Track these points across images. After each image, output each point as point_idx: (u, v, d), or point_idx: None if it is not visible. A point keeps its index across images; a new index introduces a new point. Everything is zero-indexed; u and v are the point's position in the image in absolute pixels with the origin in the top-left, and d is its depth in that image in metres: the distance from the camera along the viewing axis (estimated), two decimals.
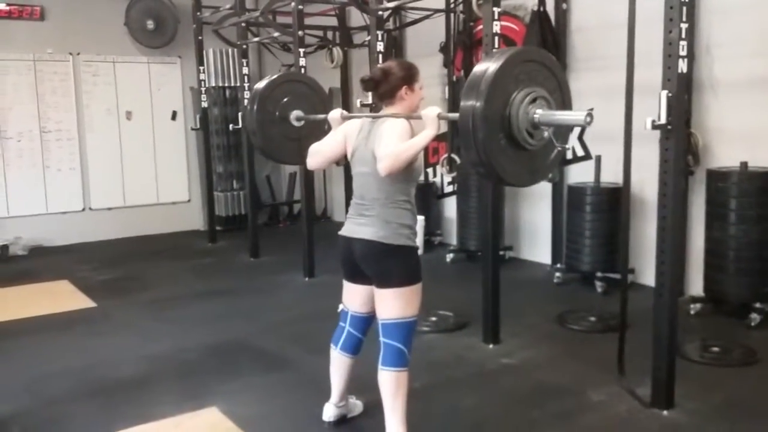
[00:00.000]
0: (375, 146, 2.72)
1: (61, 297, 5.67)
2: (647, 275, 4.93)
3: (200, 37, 7.49)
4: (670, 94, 2.94)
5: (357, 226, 2.81)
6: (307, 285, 5.89)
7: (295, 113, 4.07)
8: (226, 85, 8.55)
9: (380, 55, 4.97)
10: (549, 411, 3.27)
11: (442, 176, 7.20)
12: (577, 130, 5.38)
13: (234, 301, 5.44)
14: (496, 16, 3.86)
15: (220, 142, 8.58)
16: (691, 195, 4.91)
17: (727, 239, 4.39)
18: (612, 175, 5.27)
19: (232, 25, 6.96)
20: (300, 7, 5.66)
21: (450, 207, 7.09)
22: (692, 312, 4.59)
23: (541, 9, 5.62)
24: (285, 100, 4.10)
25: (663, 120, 2.95)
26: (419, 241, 3.41)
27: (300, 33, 5.67)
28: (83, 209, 8.05)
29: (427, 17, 6.60)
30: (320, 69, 7.45)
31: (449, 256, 6.45)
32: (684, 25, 2.92)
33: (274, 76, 4.30)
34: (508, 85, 2.49)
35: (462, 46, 6.63)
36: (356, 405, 3.22)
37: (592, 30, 5.58)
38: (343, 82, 8.37)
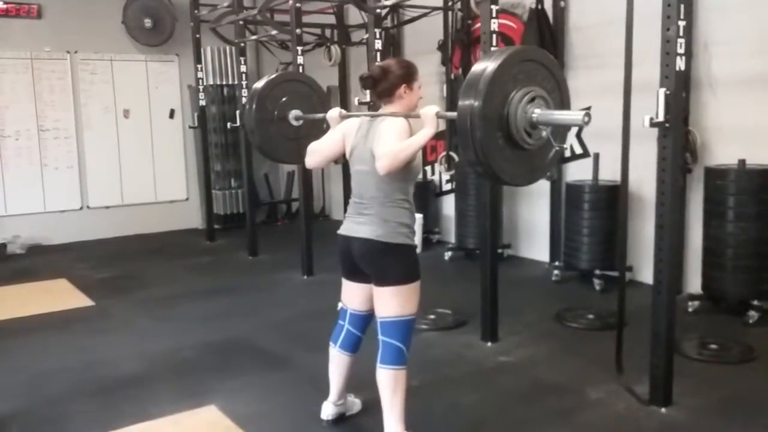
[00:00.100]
0: (373, 145, 2.72)
1: (59, 295, 5.67)
2: (645, 273, 4.95)
3: (198, 35, 7.48)
4: (668, 92, 2.94)
5: (355, 225, 2.82)
6: (306, 283, 5.89)
7: (294, 112, 4.06)
8: (224, 83, 8.54)
9: (378, 53, 4.98)
10: (547, 409, 3.28)
11: (441, 174, 7.20)
12: (575, 129, 5.39)
13: (232, 299, 5.43)
14: (494, 14, 3.86)
15: (218, 140, 8.57)
16: (689, 193, 4.91)
17: (726, 237, 4.40)
18: (610, 173, 5.27)
19: (230, 23, 6.95)
20: (298, 4, 5.65)
21: (448, 205, 7.09)
22: (690, 309, 4.59)
23: (539, 7, 5.63)
24: (284, 99, 4.09)
25: (661, 118, 2.95)
26: (418, 239, 3.41)
27: (298, 31, 5.66)
28: (81, 208, 8.04)
29: (425, 15, 6.60)
30: (318, 67, 7.44)
31: (448, 254, 6.46)
32: (682, 23, 2.92)
33: (273, 76, 4.30)
34: (507, 84, 2.49)
35: (460, 44, 6.62)
36: (355, 403, 3.22)
37: (590, 28, 5.58)
38: (341, 81, 8.36)
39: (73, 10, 7.71)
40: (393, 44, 7.35)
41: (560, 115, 2.58)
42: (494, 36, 3.86)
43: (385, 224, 2.74)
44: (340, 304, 3.07)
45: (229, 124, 7.61)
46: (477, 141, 2.45)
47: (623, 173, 3.38)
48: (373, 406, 3.02)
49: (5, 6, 7.34)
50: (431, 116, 2.65)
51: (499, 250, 5.35)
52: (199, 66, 7.55)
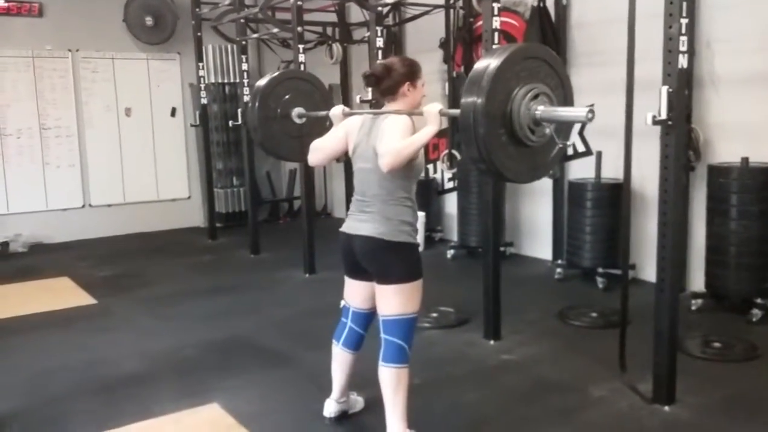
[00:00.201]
0: (376, 142, 2.71)
1: (61, 294, 5.67)
2: (648, 271, 4.94)
3: (199, 34, 7.47)
4: (670, 90, 2.93)
5: (358, 223, 2.81)
6: (308, 281, 5.88)
7: (297, 110, 4.06)
8: (226, 81, 8.54)
9: (380, 51, 4.97)
10: (550, 407, 3.27)
11: (443, 172, 7.19)
12: (577, 126, 5.37)
13: (234, 297, 5.43)
14: (495, 12, 3.85)
15: (219, 138, 8.58)
16: (692, 191, 4.90)
17: (729, 235, 4.39)
18: (613, 171, 5.26)
19: (231, 21, 6.94)
20: (299, 2, 5.65)
21: (451, 203, 7.08)
22: (693, 308, 4.58)
23: (541, 5, 5.61)
24: (287, 97, 4.09)
25: (663, 115, 2.94)
26: (420, 237, 3.41)
27: (299, 29, 5.66)
28: (83, 206, 8.04)
29: (426, 13, 6.59)
30: (320, 65, 7.44)
31: (450, 253, 6.45)
32: (684, 21, 2.91)
33: (276, 73, 4.29)
34: (510, 81, 2.48)
35: (462, 42, 6.61)
36: (357, 401, 3.22)
37: (592, 25, 5.57)
38: (342, 79, 8.35)
39: (75, 8, 7.70)
40: (394, 42, 7.34)
41: (563, 112, 2.57)
42: (496, 34, 3.85)
43: (387, 222, 2.73)
44: (342, 302, 3.06)
45: (230, 123, 7.62)
46: (480, 138, 2.44)
47: (626, 171, 3.37)
48: (375, 404, 3.02)
49: (7, 4, 7.33)
50: (434, 114, 2.65)
51: (502, 248, 5.34)
52: (200, 64, 7.55)
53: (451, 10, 6.59)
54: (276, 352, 4.12)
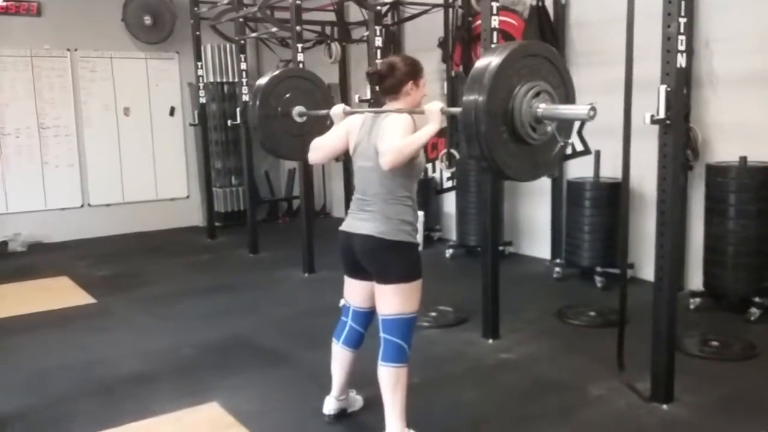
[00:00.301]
0: (377, 141, 2.71)
1: (60, 293, 5.67)
2: (647, 270, 4.94)
3: (198, 33, 7.47)
4: (668, 89, 2.94)
5: (358, 222, 2.81)
6: (307, 281, 5.89)
7: (298, 109, 4.06)
8: (224, 80, 8.54)
9: (379, 51, 4.96)
10: (548, 406, 3.28)
11: (442, 172, 7.20)
12: (576, 125, 5.38)
13: (233, 297, 5.44)
14: (494, 11, 3.86)
15: (218, 137, 8.57)
16: (690, 190, 4.91)
17: (727, 234, 4.39)
18: (611, 170, 5.27)
19: (230, 20, 6.94)
20: (298, 2, 5.64)
21: (449, 202, 7.09)
22: (692, 307, 4.59)
23: (540, 4, 5.62)
24: (287, 95, 4.09)
25: (662, 115, 2.95)
26: (419, 236, 3.41)
27: (298, 28, 5.65)
28: (82, 205, 8.04)
29: (425, 12, 6.59)
30: (318, 64, 7.43)
31: (449, 252, 6.45)
32: (683, 20, 2.92)
33: (277, 72, 4.29)
34: (511, 78, 2.48)
35: (461, 42, 6.61)
36: (356, 400, 3.22)
37: (590, 25, 5.57)
38: (341, 78, 8.35)
39: (73, 7, 7.69)
40: (393, 41, 7.34)
41: (565, 110, 2.57)
42: (495, 33, 3.86)
43: (387, 221, 2.73)
44: (342, 301, 3.07)
45: (229, 122, 7.61)
46: (482, 135, 2.44)
47: (624, 170, 3.37)
48: (374, 403, 3.02)
49: (5, 4, 7.32)
50: (436, 112, 2.65)
51: (500, 248, 5.35)
52: (199, 63, 7.54)
53: (450, 10, 6.58)
54: (275, 351, 4.13)
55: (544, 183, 5.93)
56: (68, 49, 7.79)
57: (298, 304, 5.14)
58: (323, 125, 3.52)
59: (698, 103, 4.84)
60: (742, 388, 3.41)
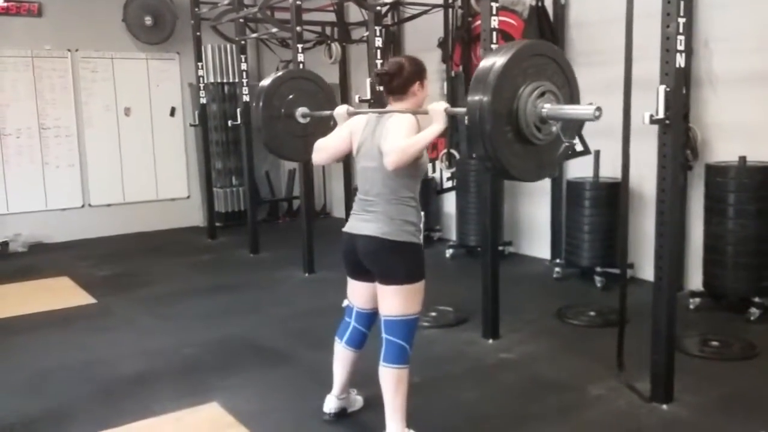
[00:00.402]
0: (381, 141, 2.71)
1: (61, 293, 5.68)
2: (646, 270, 4.94)
3: (198, 33, 7.47)
4: (668, 89, 2.94)
5: (361, 222, 2.81)
6: (307, 281, 5.89)
7: (301, 110, 4.06)
8: (225, 81, 8.54)
9: (379, 51, 4.97)
10: (548, 406, 3.28)
11: (442, 172, 7.20)
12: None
13: (234, 297, 5.44)
14: (494, 12, 3.86)
15: (218, 138, 8.58)
16: (689, 190, 4.91)
17: (726, 234, 4.40)
18: (611, 170, 5.27)
19: (230, 20, 6.95)
20: (298, 2, 5.65)
21: (449, 202, 7.09)
22: (691, 306, 4.59)
23: (539, 4, 5.62)
24: (291, 96, 4.09)
25: (661, 115, 2.95)
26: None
27: (298, 29, 5.66)
28: (82, 206, 8.05)
29: (425, 12, 6.59)
30: (319, 65, 7.43)
31: (449, 252, 6.46)
32: (682, 20, 2.92)
33: (280, 73, 4.30)
34: (516, 78, 2.48)
35: (460, 42, 6.62)
36: (357, 400, 3.23)
37: (590, 25, 5.58)
38: (341, 78, 8.35)
39: (74, 8, 7.70)
40: (393, 42, 7.35)
41: (570, 110, 2.56)
42: (494, 33, 3.87)
43: (390, 222, 2.72)
44: (345, 301, 3.07)
45: (229, 122, 7.63)
46: (486, 135, 2.44)
47: (624, 170, 3.38)
48: (375, 403, 3.03)
49: (6, 4, 7.33)
50: (440, 112, 2.65)
51: (500, 248, 5.36)
52: (199, 64, 7.55)
53: (450, 10, 6.59)
54: (275, 351, 4.13)
55: (544, 183, 5.93)
56: (69, 50, 7.80)
57: (299, 304, 5.14)
58: (327, 126, 3.52)
59: (697, 103, 4.84)
60: (741, 387, 3.41)
